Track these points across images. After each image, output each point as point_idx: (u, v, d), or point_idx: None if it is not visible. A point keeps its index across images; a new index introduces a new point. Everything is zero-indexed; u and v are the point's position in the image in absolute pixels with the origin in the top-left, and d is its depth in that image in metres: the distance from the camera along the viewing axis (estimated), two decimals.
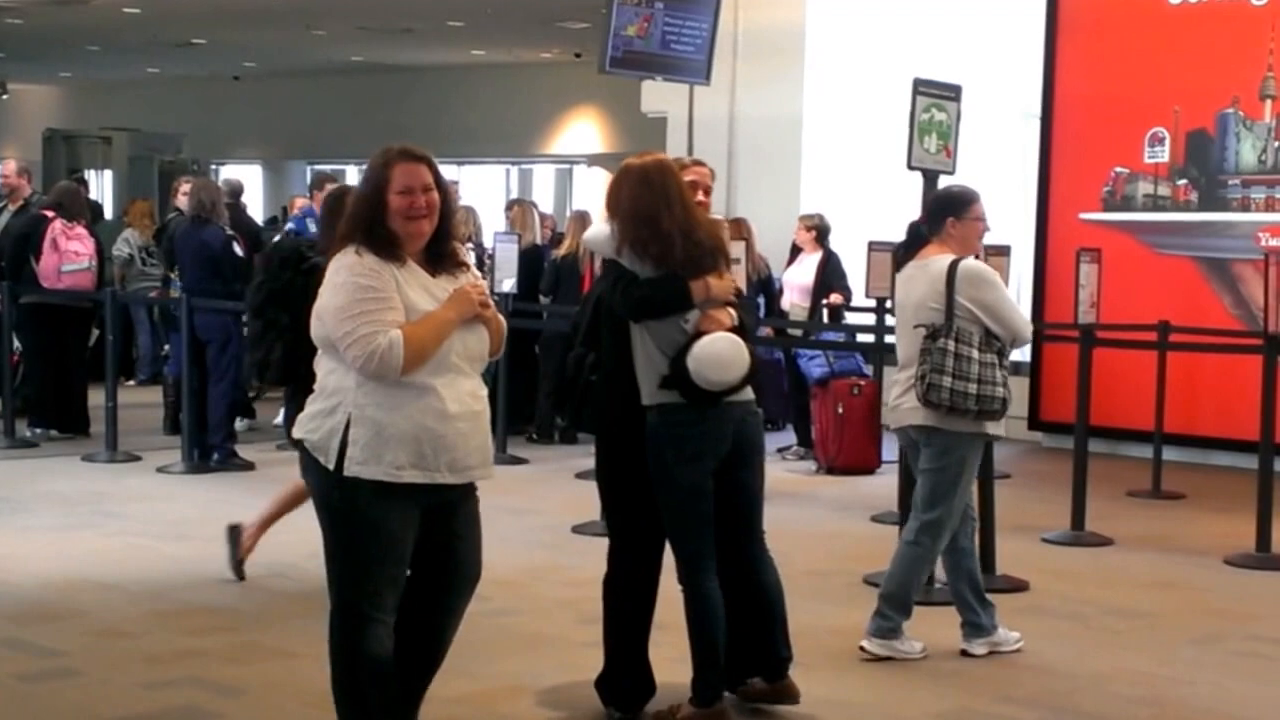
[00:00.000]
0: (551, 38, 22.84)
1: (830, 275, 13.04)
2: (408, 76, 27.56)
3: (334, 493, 4.83)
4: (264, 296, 7.96)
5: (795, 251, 13.46)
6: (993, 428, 6.86)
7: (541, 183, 28.59)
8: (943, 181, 8.63)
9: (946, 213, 6.98)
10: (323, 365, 4.92)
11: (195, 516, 9.80)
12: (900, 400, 6.91)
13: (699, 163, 6.33)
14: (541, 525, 8.77)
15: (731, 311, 5.79)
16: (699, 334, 5.67)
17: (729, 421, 5.78)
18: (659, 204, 5.71)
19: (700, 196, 6.00)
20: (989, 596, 7.17)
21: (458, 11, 21.07)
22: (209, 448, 11.63)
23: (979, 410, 6.70)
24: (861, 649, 6.91)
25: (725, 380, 5.65)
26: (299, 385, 6.95)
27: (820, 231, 13.17)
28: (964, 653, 7.01)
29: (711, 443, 5.77)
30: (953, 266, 6.76)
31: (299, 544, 8.88)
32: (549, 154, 27.60)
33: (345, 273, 4.84)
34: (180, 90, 30.11)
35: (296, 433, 4.91)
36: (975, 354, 6.69)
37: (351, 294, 4.81)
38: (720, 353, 5.62)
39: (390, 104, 27.35)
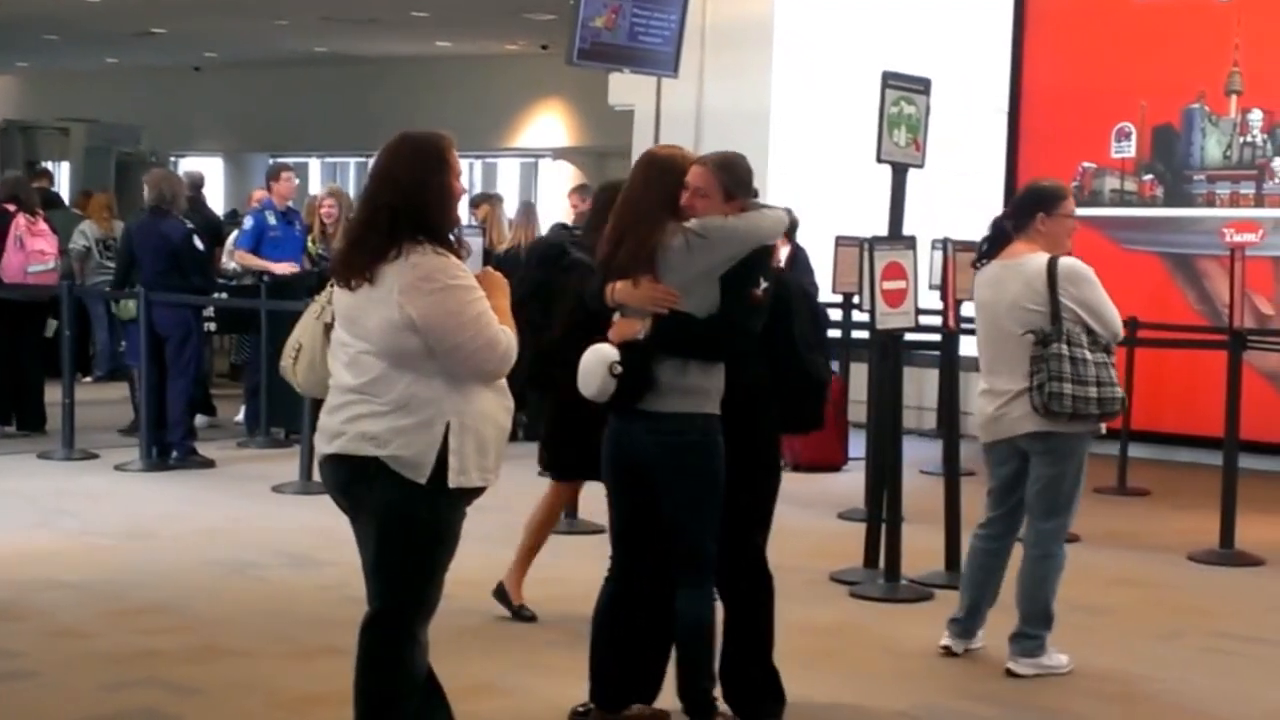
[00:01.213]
0: (518, 29, 22.78)
1: (797, 270, 12.97)
2: (372, 68, 27.45)
3: (421, 506, 4.67)
4: (525, 292, 7.04)
5: None
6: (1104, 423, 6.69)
7: (507, 177, 28.52)
8: (912, 175, 8.62)
9: (1037, 208, 6.71)
10: (397, 379, 4.66)
11: (154, 515, 9.71)
12: (1005, 410, 6.63)
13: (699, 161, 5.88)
14: (506, 523, 8.72)
15: (645, 323, 5.44)
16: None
17: (621, 434, 5.58)
18: (621, 199, 5.64)
19: (686, 198, 5.55)
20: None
21: (423, 2, 20.99)
22: (168, 445, 11.50)
23: (1101, 414, 6.52)
24: (1009, 672, 6.73)
25: (584, 393, 5.43)
26: (545, 391, 6.96)
27: (789, 226, 13.09)
28: (1009, 672, 6.78)
29: (607, 450, 5.65)
30: (1052, 264, 6.52)
31: (258, 544, 8.84)
32: (515, 148, 27.52)
33: (447, 277, 4.66)
34: (140, 81, 29.92)
35: (366, 450, 4.65)
36: (1089, 355, 6.46)
37: (465, 296, 4.67)
38: (584, 363, 5.39)
39: (354, 96, 27.24)
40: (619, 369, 5.34)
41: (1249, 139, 12.74)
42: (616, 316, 5.50)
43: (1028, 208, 6.75)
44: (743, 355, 5.53)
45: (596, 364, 5.36)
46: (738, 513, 5.64)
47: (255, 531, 9.32)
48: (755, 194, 5.69)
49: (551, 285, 6.95)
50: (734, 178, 5.53)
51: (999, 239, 6.77)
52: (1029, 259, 6.59)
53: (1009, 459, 6.79)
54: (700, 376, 5.46)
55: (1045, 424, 6.53)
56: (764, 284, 5.50)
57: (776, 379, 5.65)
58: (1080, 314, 6.51)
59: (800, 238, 13.16)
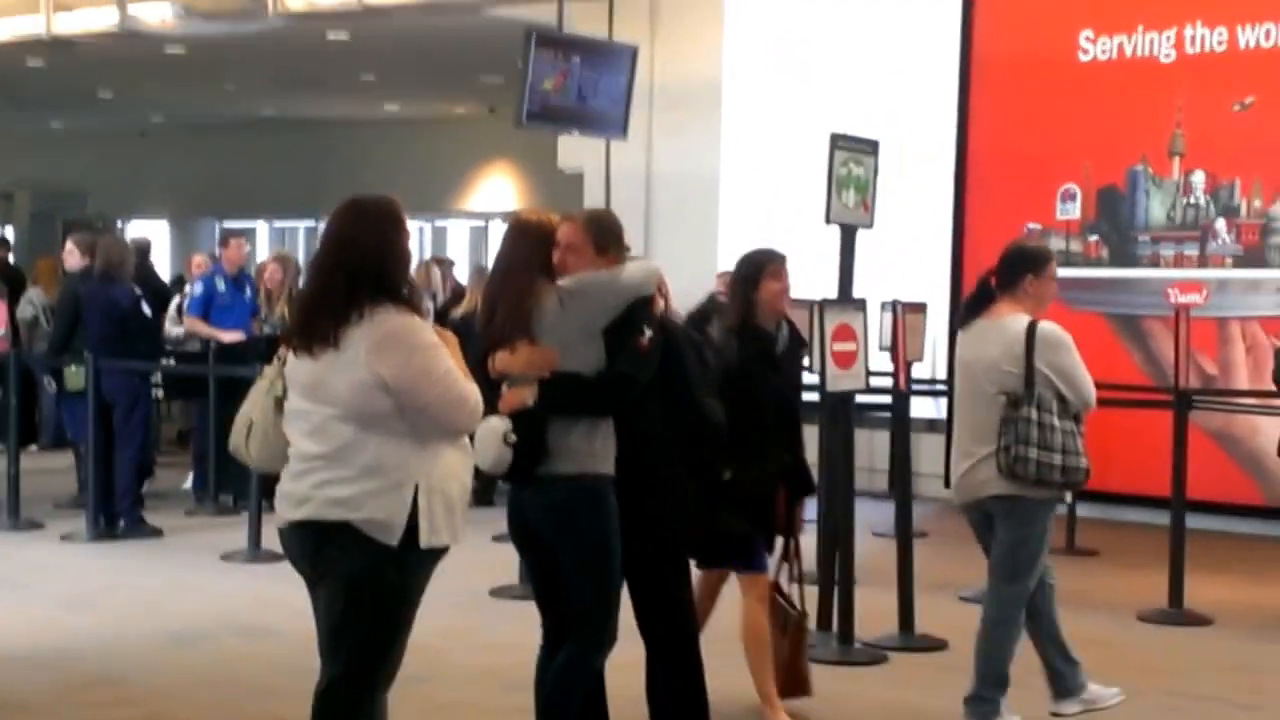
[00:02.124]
0: (465, 92, 22.82)
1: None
2: (319, 131, 27.43)
3: (391, 569, 4.68)
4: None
5: (714, 306, 13.37)
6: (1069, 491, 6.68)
7: (456, 240, 28.51)
8: (861, 235, 8.67)
9: (1025, 269, 6.76)
10: (365, 443, 4.67)
11: (101, 585, 9.64)
12: (974, 471, 6.66)
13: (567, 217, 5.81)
14: (458, 589, 8.69)
15: (532, 389, 5.40)
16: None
17: (515, 501, 5.57)
18: (493, 268, 5.71)
19: (558, 256, 5.53)
20: (1073, 654, 7.03)
21: (370, 65, 21.01)
22: (115, 515, 11.40)
23: (1064, 482, 6.55)
24: None
25: (481, 466, 5.31)
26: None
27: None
28: (1054, 715, 6.88)
29: (508, 517, 5.64)
30: (1031, 328, 6.55)
31: (207, 613, 8.77)
32: (464, 210, 27.53)
33: (415, 335, 4.71)
34: (86, 145, 29.80)
35: (336, 515, 4.65)
36: (1057, 422, 6.47)
37: (433, 354, 4.71)
38: (478, 437, 5.24)
39: (302, 160, 27.21)
40: (512, 438, 5.30)
41: (1192, 200, 12.85)
42: (504, 387, 5.44)
43: (1016, 268, 6.78)
44: (635, 406, 5.49)
45: (490, 436, 5.29)
46: (645, 561, 5.62)
47: (203, 601, 9.25)
48: (627, 250, 5.67)
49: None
50: (604, 232, 5.54)
51: (983, 297, 6.82)
52: (1011, 320, 6.61)
53: (981, 521, 6.83)
54: (588, 436, 5.42)
55: (1010, 487, 6.54)
56: (648, 332, 5.46)
57: (674, 425, 5.62)
58: (1054, 380, 6.52)
59: None
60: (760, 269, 6.69)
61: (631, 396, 5.47)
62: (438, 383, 4.68)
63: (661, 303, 5.58)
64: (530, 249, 5.51)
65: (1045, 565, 6.85)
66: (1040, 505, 6.65)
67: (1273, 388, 12.13)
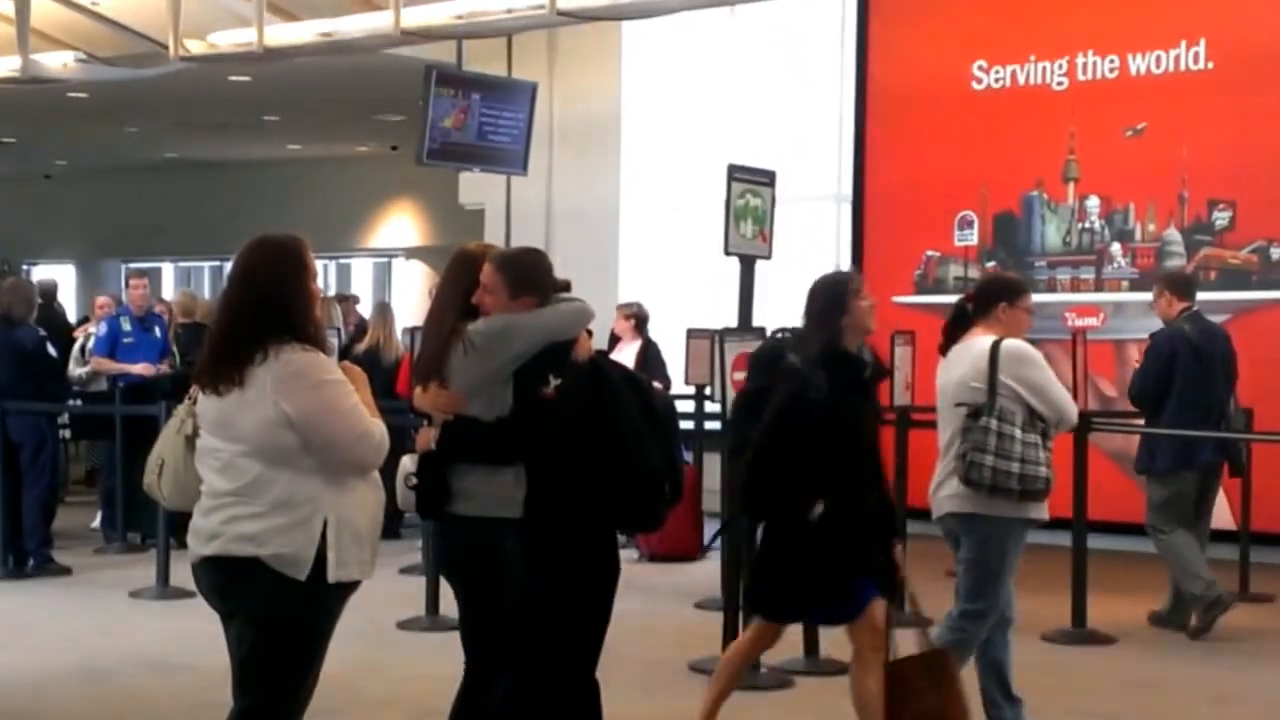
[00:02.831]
0: (367, 131, 22.81)
1: (650, 364, 13.07)
2: (223, 172, 27.33)
3: (300, 603, 4.68)
4: (744, 403, 6.68)
5: (614, 341, 13.47)
6: (1035, 511, 6.60)
7: (360, 277, 28.45)
8: (760, 266, 8.75)
9: (1000, 297, 6.80)
10: (274, 479, 4.68)
11: (9, 625, 9.58)
12: (939, 486, 6.70)
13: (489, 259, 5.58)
14: (365, 621, 8.69)
15: (433, 433, 5.38)
16: None
17: (434, 535, 5.60)
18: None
19: (477, 296, 5.44)
20: (1013, 692, 6.92)
21: (273, 107, 20.98)
22: (24, 554, 11.37)
23: (1021, 490, 6.48)
24: None
25: (398, 504, 5.35)
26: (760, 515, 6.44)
27: (639, 320, 13.20)
28: None
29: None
30: (995, 345, 6.57)
31: (116, 651, 8.72)
32: (368, 248, 27.48)
33: (320, 372, 4.73)
34: None
35: (245, 550, 4.63)
36: (1018, 433, 6.47)
37: (338, 390, 4.73)
38: (397, 475, 5.32)
39: (206, 200, 27.09)
40: (413, 480, 5.32)
41: (1087, 225, 13.06)
42: (424, 424, 5.44)
43: (992, 296, 6.84)
44: (548, 456, 5.31)
45: (400, 475, 5.34)
46: (556, 631, 5.43)
47: (112, 638, 9.21)
48: (564, 286, 5.53)
49: (770, 393, 6.37)
50: (518, 275, 5.39)
51: (959, 323, 6.84)
52: (978, 340, 6.66)
53: (951, 539, 6.83)
54: (487, 481, 5.33)
55: (968, 504, 6.57)
56: (554, 381, 5.31)
57: (605, 476, 5.32)
58: (1023, 394, 6.55)
59: (651, 331, 13.34)
60: (844, 288, 6.41)
61: (533, 448, 5.31)
62: (344, 418, 4.70)
63: (590, 345, 5.44)
64: (456, 284, 5.48)
65: (1007, 597, 6.78)
66: (999, 524, 6.59)
67: None
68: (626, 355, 13.17)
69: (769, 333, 8.12)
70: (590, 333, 5.52)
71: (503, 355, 5.29)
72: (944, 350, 6.90)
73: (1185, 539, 9.60)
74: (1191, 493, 9.75)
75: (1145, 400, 9.89)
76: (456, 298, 5.44)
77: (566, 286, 5.52)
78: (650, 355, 13.13)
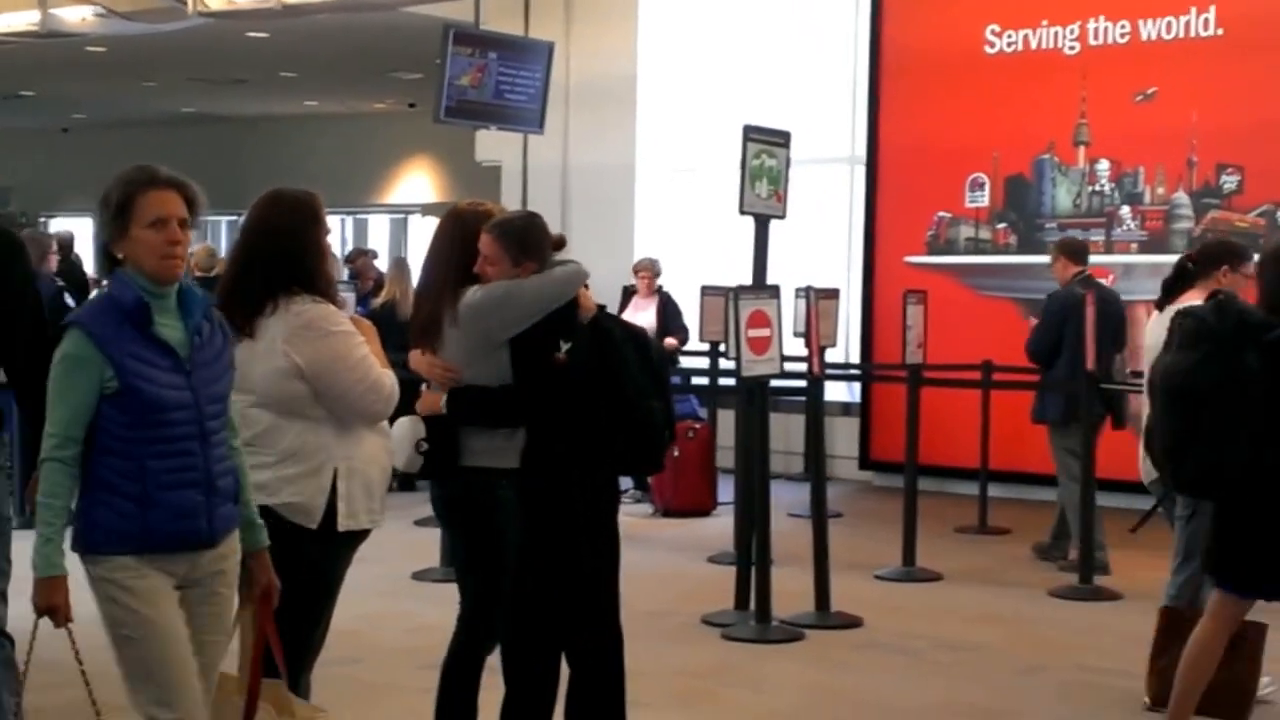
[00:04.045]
0: (385, 88, 22.85)
1: (669, 318, 13.15)
2: (241, 127, 27.40)
3: (311, 552, 4.75)
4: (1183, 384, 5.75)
5: (627, 296, 13.52)
6: None
7: (377, 232, 28.53)
8: (775, 225, 8.82)
9: (1223, 260, 6.76)
10: (285, 429, 4.75)
11: (28, 574, 9.68)
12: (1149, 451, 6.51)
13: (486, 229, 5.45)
14: (381, 573, 8.78)
15: (440, 398, 5.27)
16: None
17: (433, 490, 5.52)
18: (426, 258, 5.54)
19: (478, 265, 5.31)
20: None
21: (290, 63, 21.02)
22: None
23: None
24: None
25: (398, 467, 5.26)
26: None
27: (656, 276, 13.29)
28: None
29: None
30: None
31: None
32: (384, 204, 27.54)
33: (330, 323, 4.79)
34: (8, 142, 29.64)
35: (257, 499, 4.57)
36: None
37: (348, 341, 4.80)
38: (394, 435, 5.19)
39: (223, 156, 27.13)
40: (424, 446, 5.27)
41: (1097, 188, 13.11)
42: (423, 387, 5.40)
43: (1216, 259, 6.82)
44: (553, 418, 5.25)
45: (404, 438, 5.26)
46: (577, 574, 5.36)
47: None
48: (560, 243, 5.42)
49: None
50: (518, 242, 5.27)
51: (1178, 281, 6.80)
52: (1193, 301, 6.40)
53: (1167, 501, 6.78)
54: (485, 435, 5.28)
55: None
56: (565, 346, 5.23)
57: (610, 429, 5.27)
58: None
59: (668, 287, 13.43)
60: None
61: (542, 412, 5.25)
62: (353, 369, 4.76)
63: (592, 302, 5.33)
64: (449, 247, 5.39)
65: None
66: None
67: None
68: (646, 311, 13.25)
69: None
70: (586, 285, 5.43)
71: (497, 323, 5.19)
72: (1160, 305, 6.83)
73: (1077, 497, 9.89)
74: (1076, 443, 10.01)
75: (1040, 356, 10.38)
76: (449, 260, 5.34)
77: (562, 243, 5.44)
78: (669, 310, 13.21)
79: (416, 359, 5.35)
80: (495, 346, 5.19)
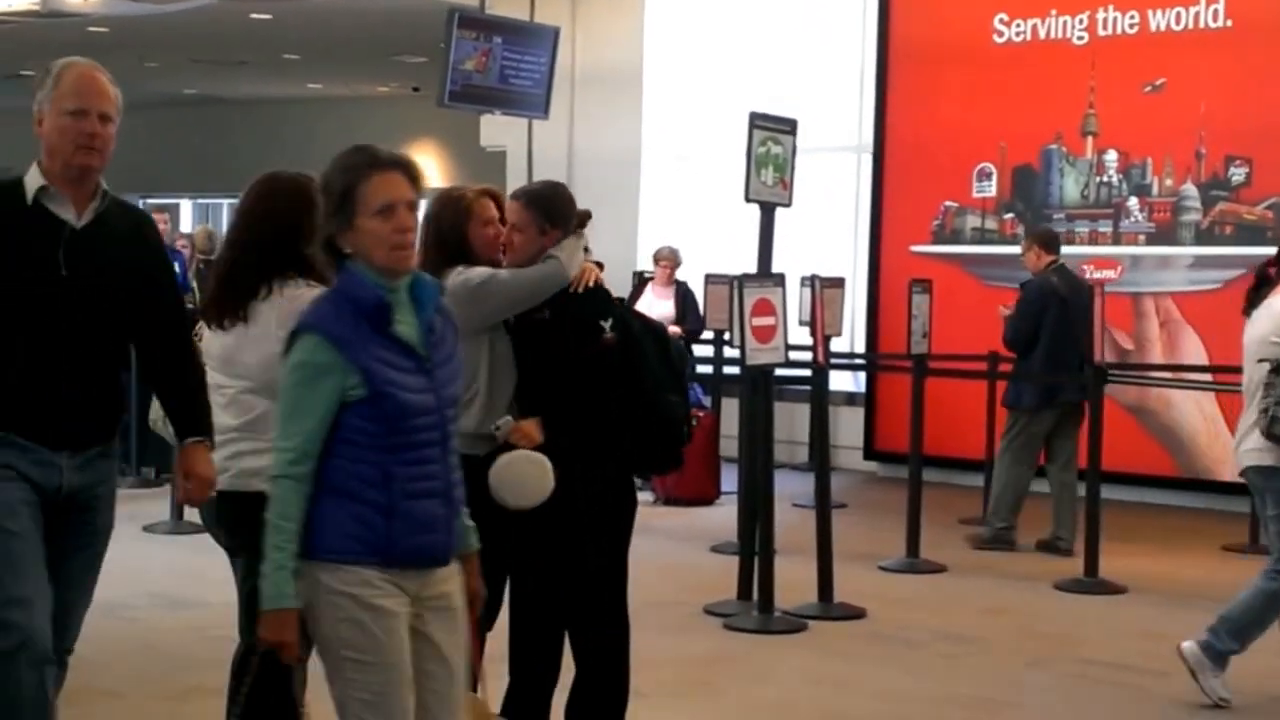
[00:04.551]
0: (389, 72, 22.80)
1: (687, 307, 13.13)
2: (243, 110, 27.34)
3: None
4: None
5: (641, 284, 13.45)
6: None
7: None
8: (780, 213, 8.77)
9: None
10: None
11: None
12: (1242, 440, 6.71)
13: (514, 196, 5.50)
14: None
15: (535, 426, 5.18)
16: (506, 445, 5.15)
17: None
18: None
19: (506, 234, 5.30)
20: None
21: (293, 45, 20.97)
22: None
23: None
24: (1179, 649, 6.89)
25: (521, 506, 5.05)
26: None
27: (676, 266, 13.28)
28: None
29: None
30: None
31: (129, 584, 8.76)
32: None
33: None
34: (8, 122, 29.51)
35: (252, 485, 4.49)
36: None
37: None
38: (524, 477, 5.05)
39: (225, 138, 27.12)
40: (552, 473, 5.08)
41: (1105, 179, 13.05)
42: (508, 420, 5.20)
43: None
44: (560, 411, 5.21)
45: (542, 479, 5.05)
46: (581, 573, 5.35)
47: (126, 572, 9.20)
48: (585, 218, 5.42)
49: None
50: (545, 209, 5.29)
51: (1262, 285, 6.83)
52: (1278, 298, 6.67)
53: (1258, 495, 6.85)
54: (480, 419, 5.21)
55: (1268, 458, 6.57)
56: (607, 325, 5.23)
57: (618, 425, 5.26)
58: None
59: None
60: None
61: (540, 409, 5.21)
62: None
63: (596, 273, 5.31)
64: (437, 227, 5.32)
65: None
66: None
67: (1189, 361, 12.49)
68: (664, 301, 13.19)
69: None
70: (601, 265, 5.43)
71: (476, 316, 5.10)
72: (1246, 311, 6.87)
73: (1023, 481, 10.53)
74: (1048, 429, 10.42)
75: (1017, 345, 10.58)
76: (428, 244, 5.24)
77: (587, 217, 5.43)
78: (688, 301, 13.17)
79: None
80: (473, 333, 5.08)
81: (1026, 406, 10.47)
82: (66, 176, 4.64)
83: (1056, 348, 10.31)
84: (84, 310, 4.52)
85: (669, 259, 13.24)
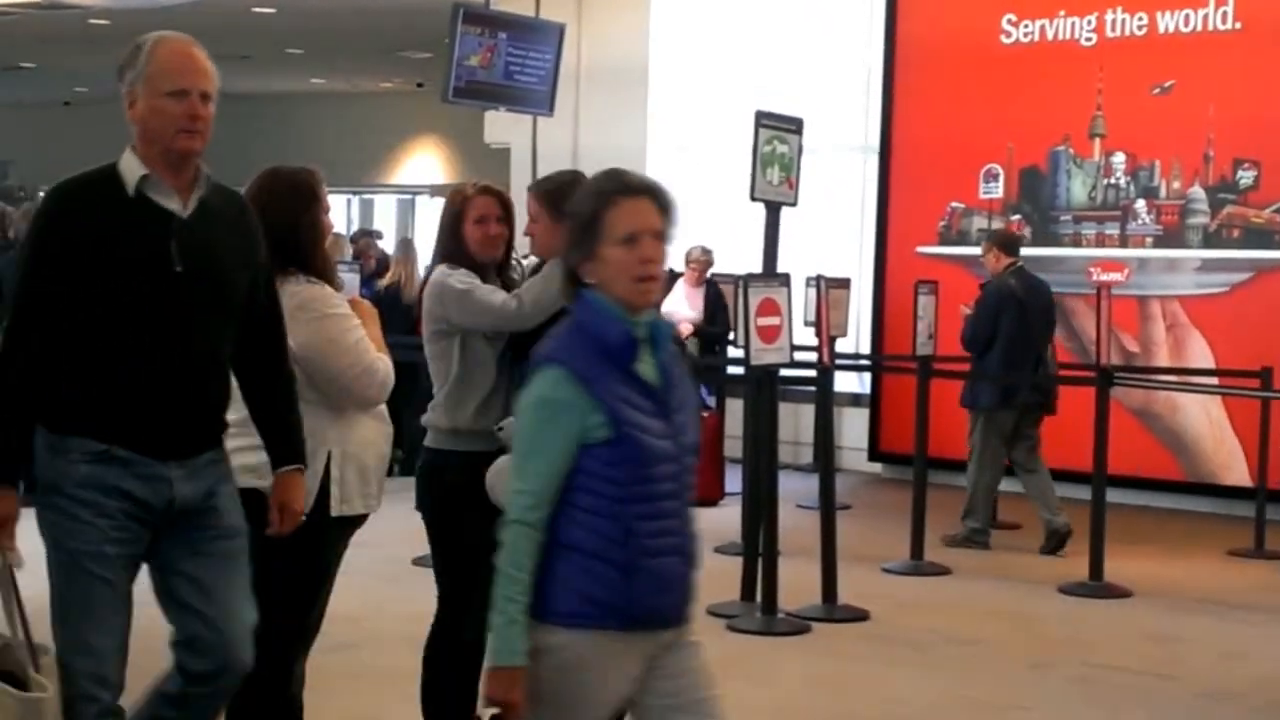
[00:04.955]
0: (393, 67, 22.80)
1: (716, 309, 13.09)
2: (246, 104, 27.24)
3: (303, 538, 4.59)
4: None
5: (669, 280, 13.40)
6: None
7: (383, 213, 28.47)
8: (786, 213, 8.74)
9: None
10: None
11: (26, 551, 9.60)
12: None
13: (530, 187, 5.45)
14: (381, 558, 8.71)
15: None
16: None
17: None
18: None
19: (527, 227, 5.27)
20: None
21: (297, 39, 20.96)
22: (34, 482, 11.38)
23: None
24: None
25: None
26: None
27: (708, 266, 13.26)
28: None
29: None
30: None
31: None
32: (391, 184, 27.48)
33: (324, 305, 4.72)
34: (8, 115, 29.58)
35: (247, 482, 4.48)
36: None
37: (342, 324, 4.73)
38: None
39: (228, 132, 26.84)
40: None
41: (1112, 181, 13.01)
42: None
43: None
44: None
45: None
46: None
47: None
48: None
49: None
50: (557, 201, 5.02)
51: None
52: None
53: None
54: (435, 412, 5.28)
55: None
56: None
57: None
58: None
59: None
60: None
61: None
62: (346, 353, 4.68)
63: None
64: (439, 229, 5.36)
65: None
66: None
67: (1196, 365, 12.46)
68: (694, 300, 13.11)
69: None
70: None
71: (454, 316, 5.14)
72: None
73: (993, 484, 10.80)
74: (1007, 430, 10.62)
75: (974, 345, 10.74)
76: (441, 239, 5.31)
77: None
78: (718, 300, 13.12)
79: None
80: (454, 333, 5.13)
81: (984, 406, 10.68)
82: (167, 162, 4.37)
83: (1013, 349, 10.52)
84: (199, 308, 4.21)
85: (700, 259, 13.22)
